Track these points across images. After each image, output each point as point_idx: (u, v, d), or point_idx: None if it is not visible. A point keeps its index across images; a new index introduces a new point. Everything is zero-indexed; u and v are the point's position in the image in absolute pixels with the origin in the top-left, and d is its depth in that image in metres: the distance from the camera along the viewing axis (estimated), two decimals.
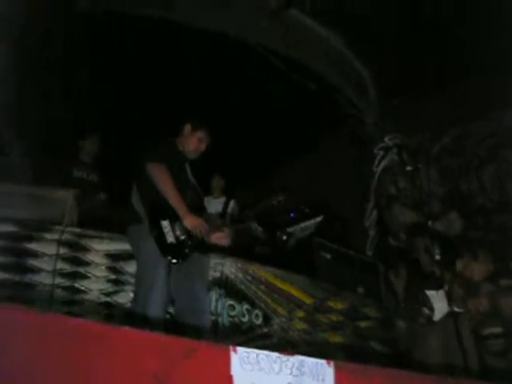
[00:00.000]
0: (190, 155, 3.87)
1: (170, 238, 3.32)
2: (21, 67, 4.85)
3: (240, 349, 2.09)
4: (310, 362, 2.24)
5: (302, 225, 5.13)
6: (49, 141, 5.53)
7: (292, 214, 5.32)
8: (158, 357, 1.96)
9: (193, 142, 3.84)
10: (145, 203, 3.48)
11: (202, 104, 5.38)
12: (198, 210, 3.59)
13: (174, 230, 3.35)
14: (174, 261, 3.33)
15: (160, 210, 3.39)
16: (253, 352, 2.12)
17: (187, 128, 3.87)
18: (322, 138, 7.04)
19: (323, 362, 2.28)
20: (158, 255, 3.30)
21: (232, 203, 5.75)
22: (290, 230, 5.15)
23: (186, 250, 3.37)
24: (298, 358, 2.19)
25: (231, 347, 2.08)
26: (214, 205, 5.60)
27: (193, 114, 4.06)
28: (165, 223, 3.35)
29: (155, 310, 3.20)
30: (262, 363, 2.11)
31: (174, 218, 3.38)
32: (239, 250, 4.19)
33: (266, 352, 2.15)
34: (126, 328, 2.06)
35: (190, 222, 3.38)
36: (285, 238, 5.33)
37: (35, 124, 5.50)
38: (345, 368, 2.36)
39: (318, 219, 5.10)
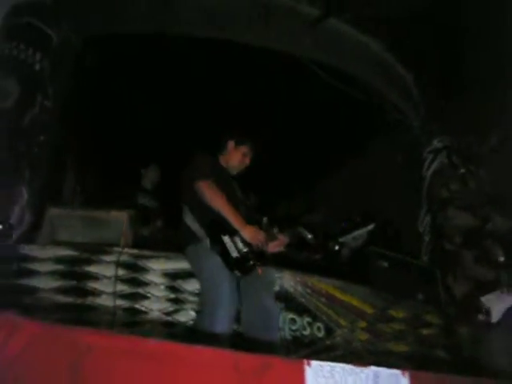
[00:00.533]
0: (234, 171, 3.95)
1: (234, 253, 3.34)
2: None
3: (314, 362, 2.06)
4: (385, 372, 2.19)
5: (354, 234, 5.04)
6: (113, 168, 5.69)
7: (344, 224, 5.25)
8: (232, 374, 1.95)
9: (237, 158, 3.93)
10: (201, 222, 3.51)
11: (247, 119, 5.39)
12: (252, 223, 3.58)
13: (235, 244, 3.37)
14: (242, 274, 3.36)
15: (218, 226, 3.41)
16: (327, 365, 2.08)
17: (230, 144, 3.95)
18: (369, 145, 6.98)
19: (398, 372, 2.23)
20: (220, 271, 3.31)
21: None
22: (341, 239, 5.08)
23: (251, 262, 3.38)
24: (372, 370, 2.15)
25: (305, 361, 2.05)
26: None
27: (235, 130, 4.09)
28: (226, 238, 3.37)
29: (222, 326, 3.18)
30: (337, 376, 2.07)
31: (233, 232, 3.41)
32: (296, 261, 4.18)
33: (340, 364, 2.11)
34: (199, 347, 2.05)
35: (249, 233, 3.41)
36: (337, 248, 5.27)
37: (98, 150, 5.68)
38: (419, 378, 2.31)
39: (370, 227, 5.01)
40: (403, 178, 6.44)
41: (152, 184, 5.78)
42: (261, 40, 5.54)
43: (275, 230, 3.75)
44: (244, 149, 3.93)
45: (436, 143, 6.33)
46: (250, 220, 3.57)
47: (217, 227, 3.41)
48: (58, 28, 5.10)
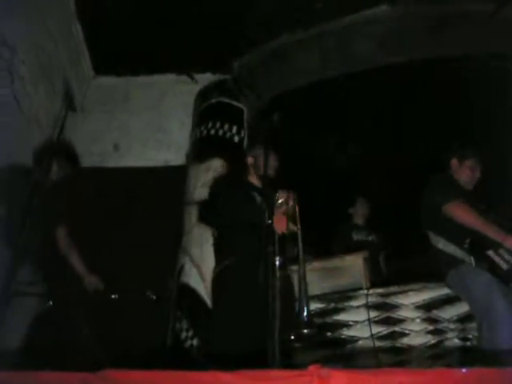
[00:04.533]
0: (468, 186, 3.80)
1: (504, 265, 3.22)
2: None
3: None
4: None
5: None
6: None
7: None
8: None
9: (465, 173, 3.80)
10: (457, 243, 3.41)
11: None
12: None
13: (502, 257, 3.24)
14: None
15: (479, 242, 3.30)
16: None
17: (454, 163, 3.85)
18: None
19: None
20: (493, 289, 3.19)
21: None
22: None
23: None
24: None
25: None
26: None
27: (453, 148, 3.96)
28: (491, 253, 3.26)
29: (505, 343, 3.01)
30: None
31: (496, 245, 3.28)
32: None
33: None
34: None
35: None
36: None
37: None
38: None
39: None
40: None
41: (364, 218, 5.78)
42: (439, 51, 5.41)
43: None
44: (469, 162, 3.81)
45: None
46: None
47: (478, 244, 3.31)
48: (245, 98, 5.36)
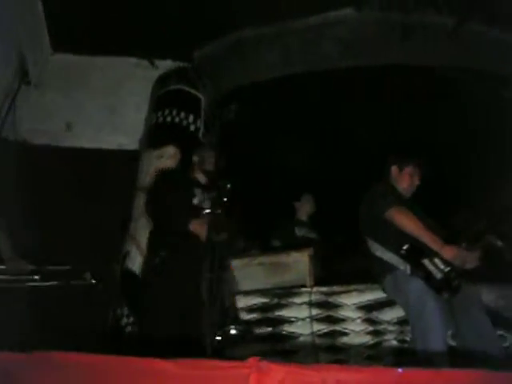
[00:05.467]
0: (407, 193, 3.86)
1: (438, 275, 3.22)
2: None
3: None
4: None
5: None
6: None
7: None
8: None
9: (405, 181, 3.84)
10: (395, 250, 3.45)
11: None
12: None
13: (436, 266, 3.26)
14: (450, 295, 3.24)
15: (416, 250, 3.33)
16: None
17: (394, 170, 3.89)
18: None
19: None
20: (425, 295, 3.21)
21: None
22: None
23: (456, 282, 3.24)
24: None
25: None
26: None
27: (395, 154, 4.02)
28: (426, 261, 3.28)
29: (437, 346, 3.08)
30: None
31: (432, 254, 3.30)
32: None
33: None
34: (445, 370, 1.96)
35: (450, 253, 3.31)
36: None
37: None
38: None
39: None
40: None
41: (307, 215, 5.74)
42: (400, 59, 5.48)
43: (463, 245, 3.54)
44: (409, 170, 3.84)
45: None
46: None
47: (415, 252, 3.34)
48: (203, 88, 5.31)
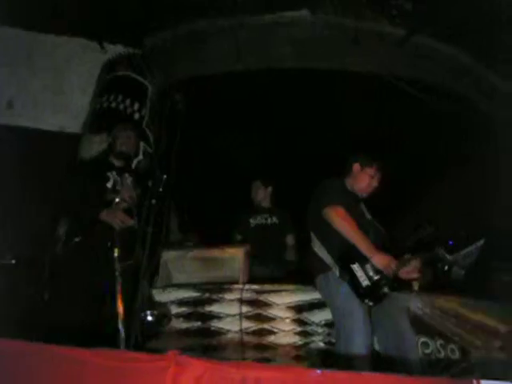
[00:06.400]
0: (362, 194, 3.82)
1: (365, 282, 3.24)
2: None
3: (484, 382, 1.94)
4: None
5: (464, 252, 4.83)
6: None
7: (450, 242, 5.04)
8: None
9: (364, 180, 3.79)
10: (329, 250, 3.44)
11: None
12: (382, 248, 3.43)
13: (366, 272, 3.27)
14: (372, 304, 3.26)
15: (348, 254, 3.32)
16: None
17: (356, 167, 3.84)
18: (467, 156, 6.76)
19: None
20: (352, 300, 3.24)
21: None
22: (451, 258, 4.86)
23: (383, 291, 3.27)
24: None
25: (475, 381, 1.93)
26: None
27: (360, 153, 4.02)
28: (355, 267, 3.28)
29: (359, 350, 3.10)
30: None
31: (364, 260, 3.29)
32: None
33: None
34: (363, 373, 1.98)
35: (381, 261, 3.27)
36: (446, 268, 5.06)
37: None
38: None
39: (480, 243, 4.80)
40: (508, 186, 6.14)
41: (266, 201, 5.59)
42: (350, 65, 5.54)
43: (407, 255, 3.47)
44: (371, 171, 3.79)
45: None
46: (379, 244, 3.45)
47: (346, 255, 3.32)
48: (152, 77, 5.25)
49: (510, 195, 5.87)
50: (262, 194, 5.57)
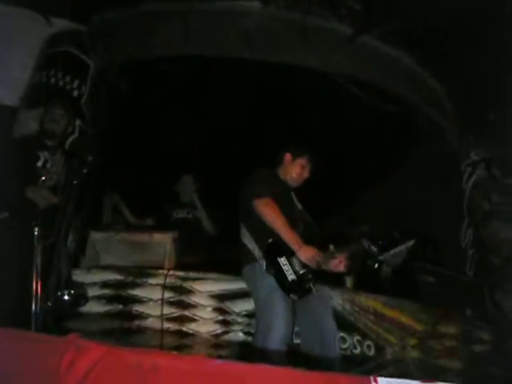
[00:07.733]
0: (293, 183, 3.86)
1: (291, 276, 3.23)
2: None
3: (381, 379, 1.99)
4: None
5: (393, 251, 4.95)
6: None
7: (383, 241, 5.14)
8: None
9: (295, 170, 3.85)
10: (258, 241, 3.44)
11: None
12: (312, 238, 3.47)
13: (292, 266, 3.26)
14: (298, 297, 3.27)
15: (275, 246, 3.31)
16: (394, 381, 2.01)
17: (288, 157, 3.89)
18: (405, 161, 6.91)
19: None
20: (275, 293, 3.23)
21: None
22: (380, 257, 4.97)
23: (308, 285, 3.29)
24: None
25: (372, 378, 1.98)
26: None
27: (292, 143, 4.05)
28: (282, 260, 3.26)
29: (276, 347, 3.10)
30: None
31: (290, 253, 3.29)
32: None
33: (408, 381, 2.03)
34: (264, 366, 2.00)
35: (305, 254, 3.28)
36: (376, 266, 5.18)
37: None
38: None
39: (410, 244, 4.93)
40: (442, 192, 6.32)
41: (189, 196, 5.67)
42: (297, 59, 5.55)
43: (332, 248, 3.49)
44: (302, 161, 3.85)
45: (473, 156, 6.24)
46: (308, 236, 3.48)
47: (273, 248, 3.30)
48: (95, 55, 5.16)
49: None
50: (190, 188, 5.67)
